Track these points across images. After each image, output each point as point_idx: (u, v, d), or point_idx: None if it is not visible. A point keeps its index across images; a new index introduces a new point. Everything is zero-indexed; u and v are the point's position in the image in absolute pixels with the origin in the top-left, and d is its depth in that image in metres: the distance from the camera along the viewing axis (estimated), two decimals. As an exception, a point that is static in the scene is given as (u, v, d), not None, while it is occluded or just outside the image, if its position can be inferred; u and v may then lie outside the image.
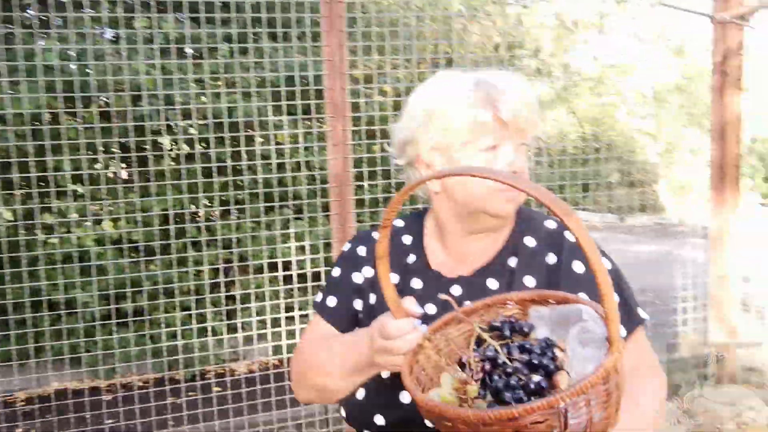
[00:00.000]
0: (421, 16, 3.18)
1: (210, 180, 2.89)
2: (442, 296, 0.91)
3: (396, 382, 0.91)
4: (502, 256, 1.10)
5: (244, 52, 3.11)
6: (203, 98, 3.17)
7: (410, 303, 0.92)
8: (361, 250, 1.20)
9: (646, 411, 0.97)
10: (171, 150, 3.46)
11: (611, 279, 1.05)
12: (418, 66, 3.09)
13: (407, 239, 1.18)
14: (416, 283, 1.13)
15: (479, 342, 0.84)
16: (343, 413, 1.12)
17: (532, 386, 0.71)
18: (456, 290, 1.09)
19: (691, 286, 3.64)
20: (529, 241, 1.11)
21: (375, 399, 1.01)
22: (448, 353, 0.89)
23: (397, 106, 3.33)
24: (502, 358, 0.76)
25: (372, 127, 3.02)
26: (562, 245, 1.08)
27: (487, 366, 0.77)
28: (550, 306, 0.86)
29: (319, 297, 1.22)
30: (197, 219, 3.60)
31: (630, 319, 1.04)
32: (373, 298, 1.14)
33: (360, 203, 3.10)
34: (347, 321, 1.15)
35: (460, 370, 0.82)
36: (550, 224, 1.14)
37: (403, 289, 1.11)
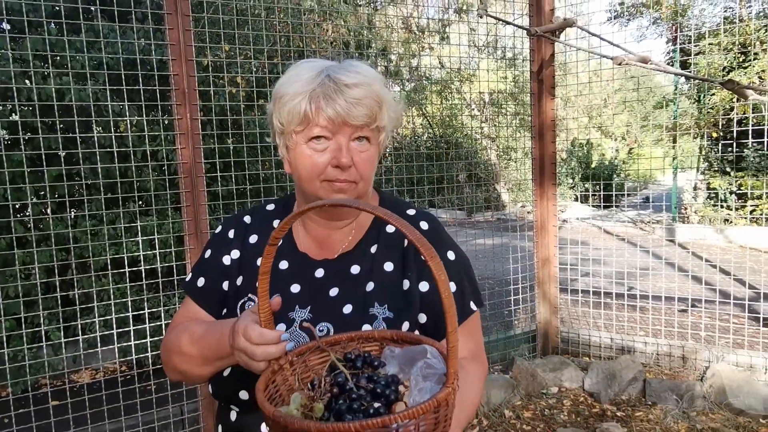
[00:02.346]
0: (272, 8, 3.16)
1: (39, 169, 2.58)
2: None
3: None
4: (365, 243, 1.17)
5: (75, 30, 2.84)
6: (27, 81, 2.82)
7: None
8: (231, 233, 1.22)
9: (472, 395, 1.09)
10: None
11: (454, 269, 1.15)
12: (270, 59, 3.08)
13: (276, 223, 1.22)
14: (283, 264, 1.16)
15: (333, 369, 0.88)
16: (211, 389, 1.14)
17: (371, 411, 0.76)
18: (319, 272, 1.15)
19: (520, 271, 4.12)
20: (390, 228, 1.18)
21: (239, 376, 1.03)
22: (303, 378, 0.92)
23: (249, 98, 3.29)
24: (350, 384, 0.82)
25: (224, 118, 2.94)
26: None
27: (335, 390, 0.82)
28: (403, 346, 0.93)
29: (188, 277, 1.23)
30: (24, 214, 3.19)
31: (462, 311, 1.13)
32: (239, 280, 1.17)
33: (213, 196, 3.01)
34: (215, 301, 1.17)
35: (310, 391, 0.87)
36: (411, 212, 1.21)
37: (270, 272, 1.15)
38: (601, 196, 4.77)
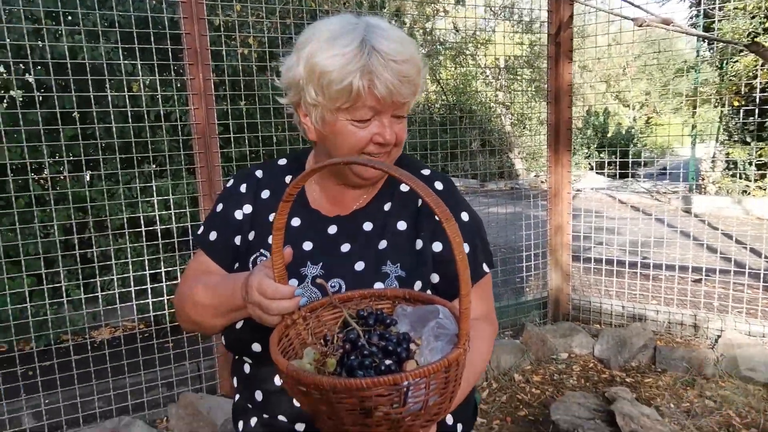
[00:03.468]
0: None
1: (54, 128, 2.59)
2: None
3: None
4: (379, 200, 1.17)
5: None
6: (39, 40, 2.81)
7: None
8: (243, 188, 1.22)
9: (483, 354, 1.10)
10: (3, 94, 3.03)
11: (467, 231, 1.14)
12: (282, 19, 3.03)
13: (288, 179, 1.21)
14: (295, 221, 1.16)
15: (346, 326, 0.90)
16: (224, 341, 1.16)
17: (383, 368, 0.78)
18: (332, 229, 1.15)
19: (533, 239, 4.11)
20: (404, 186, 1.17)
21: (252, 329, 1.03)
22: (316, 333, 0.94)
23: (261, 59, 3.26)
24: (362, 341, 0.83)
25: (236, 78, 2.92)
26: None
27: (348, 346, 0.83)
28: (415, 305, 0.94)
29: (200, 230, 1.23)
30: (41, 173, 3.23)
31: (475, 271, 1.14)
32: (251, 235, 1.17)
33: (226, 159, 3.02)
34: (227, 255, 1.18)
35: (323, 347, 0.88)
36: (426, 172, 1.21)
37: (284, 228, 1.14)
38: (618, 164, 4.70)
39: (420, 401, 0.74)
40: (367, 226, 1.14)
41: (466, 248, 1.13)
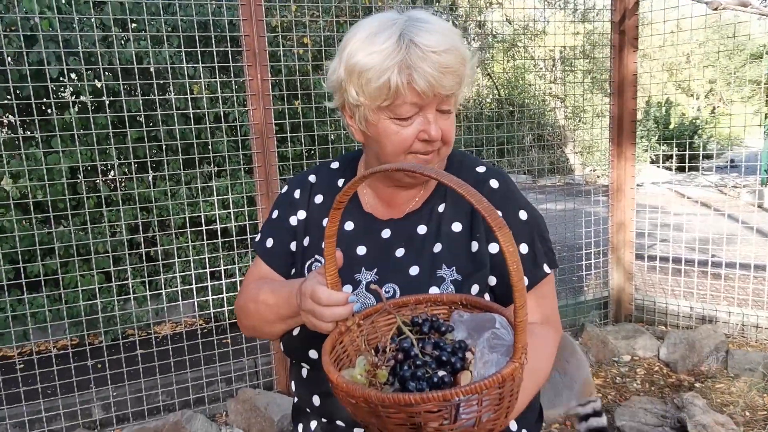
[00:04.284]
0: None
1: (122, 131, 2.70)
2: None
3: None
4: (432, 202, 1.13)
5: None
6: (107, 47, 2.94)
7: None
8: (297, 193, 1.21)
9: (544, 362, 1.04)
10: (75, 99, 3.18)
11: (526, 230, 1.08)
12: (336, 16, 3.04)
13: (341, 182, 1.20)
14: (348, 225, 1.15)
15: (400, 333, 0.87)
16: (282, 347, 1.15)
17: (435, 380, 0.74)
18: (386, 233, 1.12)
19: (593, 236, 3.95)
20: None
21: (309, 336, 1.02)
22: (371, 340, 0.91)
23: (316, 58, 3.28)
24: (415, 350, 0.80)
25: (292, 78, 2.94)
26: (486, 192, 1.09)
27: (400, 356, 0.80)
28: (472, 311, 0.90)
29: (258, 237, 1.23)
30: (108, 174, 3.38)
31: (535, 273, 1.08)
32: (306, 240, 1.16)
33: (281, 158, 3.04)
34: (284, 262, 1.17)
35: (374, 357, 0.85)
36: (481, 169, 1.15)
37: (336, 235, 1.12)
38: (686, 156, 4.45)
39: (473, 417, 0.71)
40: (421, 229, 1.11)
41: (525, 249, 1.08)
